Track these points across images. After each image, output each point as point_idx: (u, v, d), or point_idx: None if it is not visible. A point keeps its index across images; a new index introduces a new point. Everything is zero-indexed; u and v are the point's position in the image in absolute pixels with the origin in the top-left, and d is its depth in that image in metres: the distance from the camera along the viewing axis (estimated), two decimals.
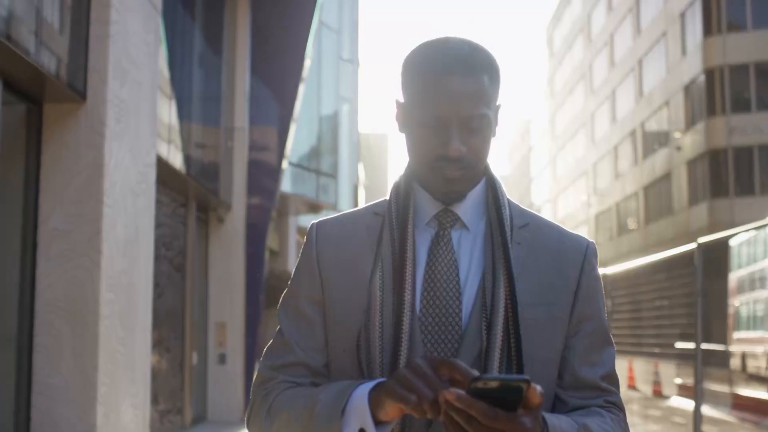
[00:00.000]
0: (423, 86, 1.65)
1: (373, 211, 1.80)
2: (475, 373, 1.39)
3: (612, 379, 1.77)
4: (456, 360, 1.43)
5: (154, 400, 9.40)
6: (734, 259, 25.16)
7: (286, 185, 16.72)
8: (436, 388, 1.40)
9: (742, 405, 14.38)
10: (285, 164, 14.78)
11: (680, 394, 17.21)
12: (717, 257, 28.66)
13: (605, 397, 1.74)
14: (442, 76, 1.62)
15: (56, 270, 6.43)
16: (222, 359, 12.98)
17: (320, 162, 20.29)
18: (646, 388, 17.15)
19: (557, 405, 1.73)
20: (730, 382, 15.36)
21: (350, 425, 1.53)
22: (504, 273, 1.68)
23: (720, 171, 37.65)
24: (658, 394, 17.74)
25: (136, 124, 7.29)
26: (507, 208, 1.78)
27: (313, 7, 14.32)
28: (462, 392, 1.33)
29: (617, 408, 1.75)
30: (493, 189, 1.79)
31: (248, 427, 1.77)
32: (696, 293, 6.80)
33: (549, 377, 1.71)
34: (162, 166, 8.80)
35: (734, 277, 25.29)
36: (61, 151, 6.54)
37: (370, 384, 1.56)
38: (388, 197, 1.81)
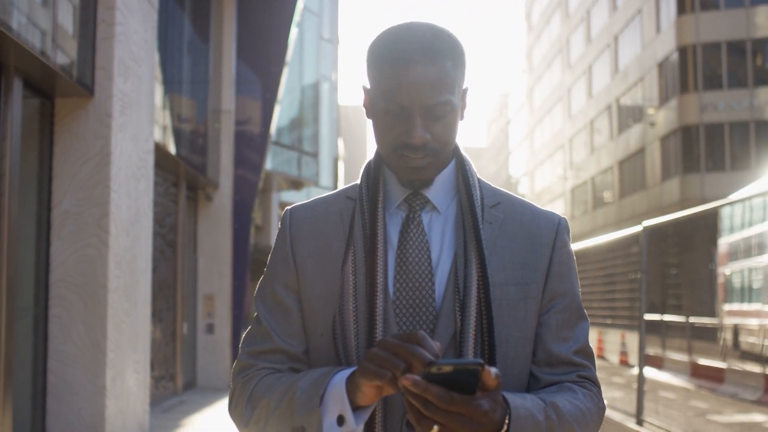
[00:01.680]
0: (386, 74, 1.63)
1: (345, 195, 1.80)
2: (436, 347, 1.41)
3: (585, 353, 1.74)
4: (421, 332, 1.42)
5: (150, 366, 10.09)
6: (725, 225, 23.27)
7: (269, 163, 17.31)
8: (408, 358, 1.40)
9: (699, 373, 15.20)
10: (269, 144, 15.39)
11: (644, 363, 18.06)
12: (707, 225, 28.70)
13: (578, 372, 1.72)
14: (404, 65, 1.60)
15: (68, 248, 7.13)
16: (210, 329, 13.63)
17: (302, 141, 20.89)
18: (614, 358, 17.78)
19: (531, 382, 1.72)
20: (689, 351, 16.17)
21: (329, 412, 1.53)
22: (475, 254, 1.67)
23: (692, 147, 38.13)
24: (625, 363, 18.49)
25: (137, 114, 7.95)
26: (477, 189, 1.76)
27: None
28: (417, 378, 1.33)
29: (591, 382, 1.73)
30: (462, 170, 1.78)
31: (230, 414, 1.76)
32: (642, 270, 7.54)
33: (524, 356, 1.70)
34: (156, 149, 9.41)
35: (724, 243, 23.55)
36: (71, 142, 7.21)
37: (348, 371, 1.55)
38: (359, 181, 1.80)
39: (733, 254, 22.20)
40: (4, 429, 6.23)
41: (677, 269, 36.31)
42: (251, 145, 15.03)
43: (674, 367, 16.57)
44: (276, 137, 18.40)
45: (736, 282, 21.89)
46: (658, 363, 17.47)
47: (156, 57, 8.86)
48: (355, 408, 1.52)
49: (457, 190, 1.76)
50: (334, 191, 1.86)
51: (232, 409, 1.72)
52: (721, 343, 18.50)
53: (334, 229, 1.74)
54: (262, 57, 15.06)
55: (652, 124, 41.24)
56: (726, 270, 22.82)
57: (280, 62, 14.96)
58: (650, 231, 7.43)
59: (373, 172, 1.78)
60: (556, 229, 1.77)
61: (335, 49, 25.23)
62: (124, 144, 7.50)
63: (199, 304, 13.60)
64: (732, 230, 22.48)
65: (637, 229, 7.64)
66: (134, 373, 7.87)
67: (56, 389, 7.03)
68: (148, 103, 8.38)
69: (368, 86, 1.72)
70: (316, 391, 1.54)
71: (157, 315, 10.91)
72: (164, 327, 11.53)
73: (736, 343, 18.74)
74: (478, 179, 1.79)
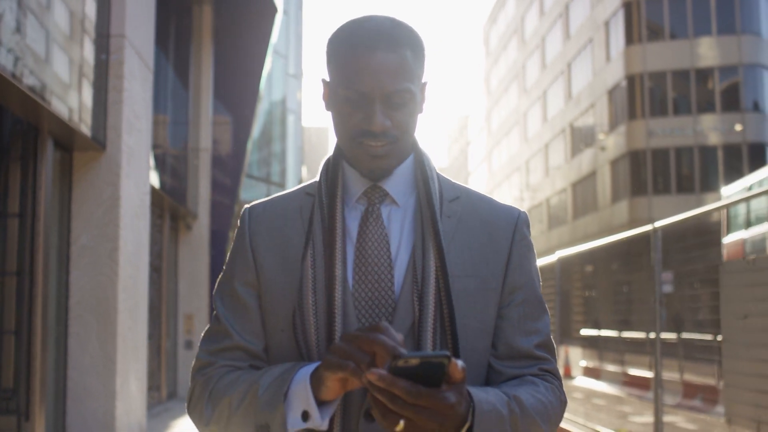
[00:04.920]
0: (346, 62, 1.63)
1: (304, 191, 1.79)
2: (399, 338, 1.40)
3: (547, 347, 1.75)
4: (384, 323, 1.42)
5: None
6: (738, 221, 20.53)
7: (241, 193, 18.82)
8: (371, 348, 1.39)
9: (629, 382, 16.84)
10: (242, 178, 16.95)
11: (584, 374, 19.73)
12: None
13: (540, 365, 1.71)
14: (364, 52, 1.60)
15: (85, 277, 8.58)
16: (189, 345, 15.01)
17: (270, 171, 22.49)
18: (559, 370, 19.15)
19: (492, 375, 1.71)
20: (622, 363, 17.80)
21: (294, 408, 1.51)
22: (433, 245, 1.66)
23: (639, 171, 39.80)
24: (568, 374, 20.11)
25: (138, 163, 9.43)
26: (436, 182, 1.76)
27: (267, 43, 16.42)
28: (383, 372, 1.31)
29: (552, 375, 1.73)
30: (421, 164, 1.77)
31: (189, 414, 1.75)
32: (556, 294, 9.14)
33: (482, 347, 1.69)
34: None
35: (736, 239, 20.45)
36: (87, 188, 8.67)
37: (311, 366, 1.54)
38: (318, 177, 1.79)
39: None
40: (39, 425, 7.66)
41: (627, 287, 38.00)
42: (226, 179, 16.56)
43: (609, 378, 18.21)
44: (248, 170, 19.91)
45: None
46: (595, 374, 19.13)
47: (151, 112, 10.35)
48: (320, 403, 1.51)
49: (416, 184, 1.76)
50: (293, 188, 1.85)
51: (192, 409, 1.72)
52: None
53: (293, 225, 1.74)
54: (237, 100, 16.64)
55: (603, 149, 42.91)
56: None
57: (252, 104, 16.53)
58: (564, 260, 9.05)
59: (332, 166, 1.78)
60: (515, 223, 1.77)
61: (300, 82, 26.81)
62: (129, 189, 8.97)
63: (180, 322, 15.02)
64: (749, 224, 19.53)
65: (551, 258, 9.25)
66: (136, 380, 9.31)
67: (75, 394, 8.45)
68: (146, 152, 9.87)
69: (327, 79, 1.73)
70: (279, 388, 1.53)
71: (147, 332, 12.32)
72: (151, 343, 12.94)
73: None
74: (437, 174, 1.80)
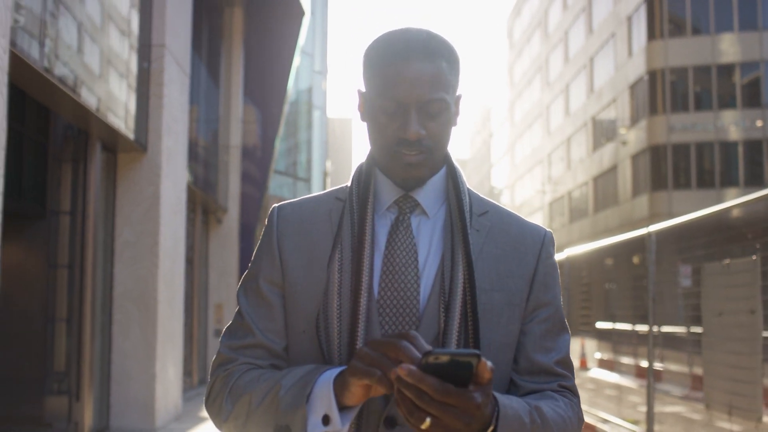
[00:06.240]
0: (383, 72, 1.64)
1: (335, 196, 1.79)
2: (427, 348, 1.37)
3: (566, 364, 1.75)
4: (413, 332, 1.41)
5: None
6: None
7: (269, 188, 19.50)
8: (398, 356, 1.37)
9: (640, 374, 17.37)
10: (270, 173, 17.63)
11: (600, 367, 20.24)
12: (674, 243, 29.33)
13: (559, 381, 1.72)
14: (401, 61, 1.62)
15: (127, 269, 9.26)
16: (218, 333, 15.59)
17: (296, 168, 23.19)
18: (575, 362, 19.58)
19: (512, 389, 1.71)
20: (635, 356, 18.30)
21: (315, 411, 1.51)
22: (463, 258, 1.67)
23: (660, 165, 39.87)
24: (584, 366, 20.60)
25: (176, 163, 10.10)
26: (467, 196, 1.77)
27: (295, 45, 17.09)
28: (413, 367, 1.30)
29: (571, 392, 1.74)
30: (453, 177, 1.78)
31: (207, 408, 1.74)
32: (565, 288, 9.74)
33: (505, 361, 1.70)
34: None
35: None
36: (130, 187, 9.35)
37: (336, 370, 1.53)
38: (349, 183, 1.79)
39: None
40: (88, 405, 8.36)
41: (646, 281, 38.17)
42: (255, 174, 17.25)
43: (623, 370, 18.72)
44: (275, 165, 20.58)
45: None
46: (609, 365, 19.67)
47: (188, 115, 11.02)
48: (342, 408, 1.51)
49: (447, 196, 1.77)
50: (324, 191, 1.85)
51: (210, 403, 1.71)
52: None
53: (321, 228, 1.74)
54: (266, 98, 17.32)
55: (624, 143, 43.08)
56: None
57: (280, 103, 17.20)
58: (571, 259, 9.65)
59: (364, 173, 1.78)
60: (542, 241, 1.79)
61: (325, 78, 27.46)
62: (168, 188, 9.64)
63: (210, 312, 15.72)
64: None
65: (561, 256, 9.85)
66: (173, 365, 10.01)
67: (118, 377, 9.15)
68: (183, 152, 10.55)
69: (363, 89, 1.75)
70: (302, 390, 1.53)
71: None
72: (184, 332, 13.62)
73: None
74: (468, 188, 1.81)
